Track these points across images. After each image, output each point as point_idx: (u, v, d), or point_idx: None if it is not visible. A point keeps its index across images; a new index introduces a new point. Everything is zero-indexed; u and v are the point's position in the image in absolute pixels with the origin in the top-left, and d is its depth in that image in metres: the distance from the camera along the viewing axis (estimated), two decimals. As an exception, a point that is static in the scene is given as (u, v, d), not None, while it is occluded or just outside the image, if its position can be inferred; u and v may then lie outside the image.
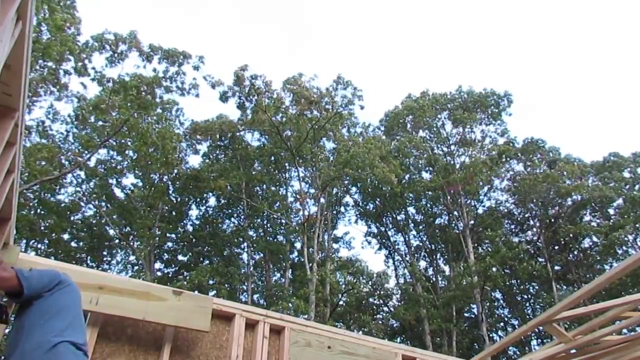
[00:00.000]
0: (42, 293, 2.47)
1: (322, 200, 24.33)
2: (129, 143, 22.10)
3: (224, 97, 23.56)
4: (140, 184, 24.31)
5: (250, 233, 25.61)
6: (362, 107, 25.18)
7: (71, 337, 2.36)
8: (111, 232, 24.01)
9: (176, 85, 21.88)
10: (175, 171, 23.93)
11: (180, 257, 26.21)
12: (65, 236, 23.49)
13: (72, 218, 23.58)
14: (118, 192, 24.35)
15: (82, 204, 23.61)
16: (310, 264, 21.54)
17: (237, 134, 25.69)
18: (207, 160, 25.54)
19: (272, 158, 26.09)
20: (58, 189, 22.73)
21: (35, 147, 19.45)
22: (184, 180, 24.21)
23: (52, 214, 21.94)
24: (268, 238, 25.91)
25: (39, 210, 22.13)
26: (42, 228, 21.97)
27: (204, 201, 26.28)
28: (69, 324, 2.43)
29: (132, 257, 24.99)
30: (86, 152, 21.41)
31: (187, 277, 21.18)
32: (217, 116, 25.22)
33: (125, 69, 20.55)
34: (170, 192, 25.11)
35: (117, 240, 24.62)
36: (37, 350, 2.23)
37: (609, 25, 58.96)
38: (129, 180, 24.45)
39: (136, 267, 24.59)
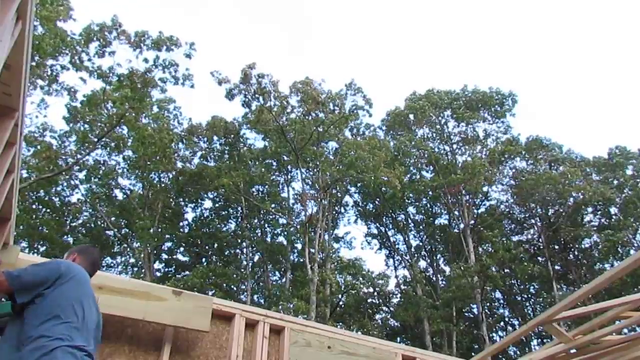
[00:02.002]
0: (41, 291, 2.33)
1: (324, 201, 24.34)
2: (128, 143, 22.04)
3: (229, 95, 23.57)
4: (139, 184, 24.28)
5: (250, 233, 25.60)
6: (370, 115, 25.49)
7: (71, 339, 2.25)
8: (110, 233, 24.00)
9: (169, 72, 20.99)
10: (179, 165, 23.79)
11: (179, 257, 26.25)
12: (64, 237, 23.46)
13: (72, 220, 23.57)
14: (117, 193, 24.36)
15: (84, 207, 23.59)
16: (312, 265, 21.53)
17: (241, 132, 25.73)
18: (205, 162, 25.49)
19: (274, 160, 26.12)
20: (58, 190, 22.69)
21: (35, 146, 19.45)
22: (185, 179, 24.17)
23: (52, 215, 21.94)
24: (266, 238, 25.91)
25: (39, 212, 22.12)
26: (41, 228, 21.93)
27: (202, 201, 26.28)
28: (69, 324, 2.30)
29: (132, 259, 24.98)
30: (83, 148, 21.31)
31: (184, 278, 21.14)
32: (212, 117, 25.20)
33: (116, 61, 20.13)
34: (170, 192, 25.11)
35: (116, 241, 24.62)
36: (33, 354, 2.13)
37: (612, 21, 58.98)
38: (128, 180, 24.46)
39: (135, 269, 24.58)
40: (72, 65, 18.68)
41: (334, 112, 24.27)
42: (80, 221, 24.03)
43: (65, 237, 23.44)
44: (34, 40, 15.97)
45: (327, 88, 24.55)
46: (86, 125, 21.48)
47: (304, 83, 23.91)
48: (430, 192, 27.46)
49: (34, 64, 16.94)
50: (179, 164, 24.17)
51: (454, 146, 28.33)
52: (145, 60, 20.29)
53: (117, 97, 19.60)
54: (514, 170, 28.30)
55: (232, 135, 25.59)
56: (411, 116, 28.62)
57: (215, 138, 25.76)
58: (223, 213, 26.60)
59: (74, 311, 2.36)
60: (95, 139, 20.92)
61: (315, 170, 24.97)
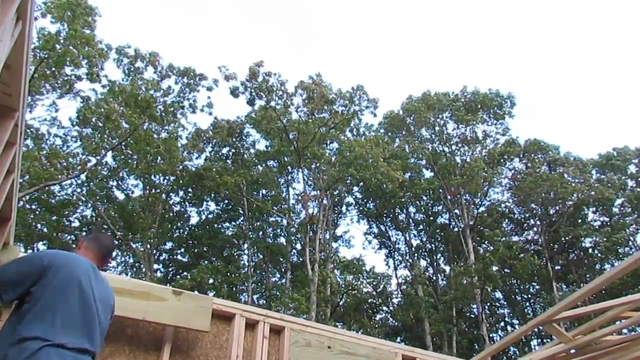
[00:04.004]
0: (28, 288, 2.22)
1: (324, 201, 24.32)
2: (131, 143, 22.09)
3: (234, 93, 23.60)
4: (141, 185, 24.24)
5: (251, 234, 25.59)
6: (374, 115, 25.88)
7: (57, 338, 2.14)
8: (108, 231, 23.93)
9: (189, 103, 22.87)
10: (180, 167, 23.96)
11: (179, 258, 26.21)
12: (65, 237, 23.40)
13: (70, 218, 23.52)
14: (117, 193, 24.32)
15: (80, 202, 23.52)
16: (312, 264, 21.53)
17: (244, 131, 25.78)
18: (210, 163, 25.48)
19: (276, 160, 26.11)
20: (58, 191, 22.68)
21: (40, 149, 19.53)
22: (188, 179, 24.16)
23: (50, 214, 21.90)
24: (267, 239, 25.91)
25: (38, 211, 22.09)
26: (40, 227, 21.92)
27: (204, 203, 26.25)
28: (57, 322, 2.18)
29: (131, 259, 24.94)
30: (90, 156, 21.47)
31: (188, 277, 21.11)
32: (214, 119, 25.26)
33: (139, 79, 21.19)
34: (171, 192, 25.10)
35: (116, 241, 24.57)
36: (18, 356, 2.04)
37: (612, 21, 58.95)
38: (130, 181, 24.42)
39: (134, 269, 24.55)
40: (86, 77, 18.97)
41: (340, 112, 24.29)
42: (78, 217, 23.96)
43: (66, 236, 23.40)
44: (57, 55, 16.37)
45: (335, 88, 24.83)
46: (92, 132, 21.68)
47: (314, 82, 23.96)
48: (430, 192, 27.46)
49: (48, 71, 17.24)
50: (182, 165, 24.19)
51: (453, 147, 28.33)
52: (169, 88, 21.86)
53: (132, 113, 19.89)
54: (513, 171, 28.32)
55: (236, 136, 25.58)
56: (409, 119, 28.61)
57: (218, 141, 25.77)
58: (225, 215, 26.57)
59: (63, 306, 2.23)
60: (104, 150, 21.18)
61: (316, 170, 24.97)
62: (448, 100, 28.32)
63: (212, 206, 26.49)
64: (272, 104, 23.42)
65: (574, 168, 26.06)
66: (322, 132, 23.95)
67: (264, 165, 26.24)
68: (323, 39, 59.08)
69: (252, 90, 23.40)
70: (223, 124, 25.08)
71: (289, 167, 26.25)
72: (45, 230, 21.96)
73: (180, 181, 24.11)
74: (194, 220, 26.33)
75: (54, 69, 17.47)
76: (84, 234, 23.70)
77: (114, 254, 25.27)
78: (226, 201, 26.11)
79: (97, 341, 2.40)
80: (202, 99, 24.48)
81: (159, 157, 21.64)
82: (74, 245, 22.24)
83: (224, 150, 26.21)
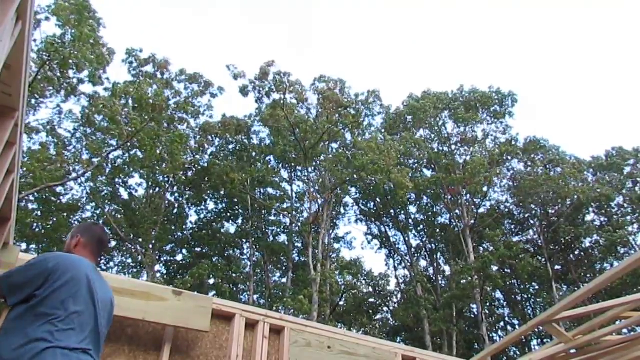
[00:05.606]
0: (33, 292, 2.24)
1: (328, 201, 24.32)
2: (136, 143, 22.07)
3: (244, 92, 23.61)
4: (145, 184, 24.21)
5: (253, 233, 25.56)
6: (385, 122, 26.04)
7: (61, 340, 2.16)
8: (112, 232, 23.89)
9: (194, 110, 23.68)
10: (187, 166, 24.08)
11: (180, 258, 26.21)
12: (64, 237, 23.35)
13: (72, 217, 23.45)
14: (122, 192, 24.28)
15: (82, 202, 23.48)
16: (315, 264, 21.51)
17: (252, 129, 25.86)
18: (216, 160, 25.46)
19: (280, 160, 26.11)
20: (62, 193, 22.66)
21: (44, 148, 19.55)
22: (194, 173, 24.16)
23: (52, 214, 21.88)
24: (269, 239, 25.88)
25: (39, 211, 22.07)
26: (42, 228, 21.89)
27: (205, 202, 26.22)
28: (63, 323, 2.21)
29: (132, 258, 24.90)
30: (94, 157, 21.46)
31: (187, 275, 21.09)
32: (223, 116, 25.21)
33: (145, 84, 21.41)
34: (175, 192, 25.10)
35: (118, 241, 24.52)
36: (23, 357, 2.06)
37: (612, 21, 58.96)
38: (134, 180, 24.41)
39: (135, 270, 24.52)
40: (89, 80, 19.00)
41: (348, 116, 24.35)
42: (79, 216, 23.88)
43: (65, 236, 23.34)
44: (61, 56, 16.48)
45: (351, 92, 25.12)
46: (100, 135, 21.73)
47: (329, 88, 24.02)
48: (430, 190, 27.35)
49: (51, 74, 17.28)
50: (185, 168, 24.17)
51: (453, 147, 28.26)
52: (176, 92, 22.74)
53: (136, 116, 19.95)
54: (512, 172, 28.27)
55: (243, 134, 25.60)
56: (409, 118, 28.52)
57: (225, 137, 25.80)
58: (226, 214, 26.53)
59: (67, 311, 2.26)
60: (107, 150, 21.23)
61: (322, 170, 24.95)
62: (447, 99, 28.23)
63: (212, 205, 26.50)
64: (282, 102, 23.46)
65: (572, 168, 26.04)
66: (331, 132, 23.92)
67: (267, 161, 26.23)
68: (323, 38, 59.08)
69: (261, 89, 23.52)
70: (233, 121, 25.13)
71: (292, 164, 26.24)
72: (45, 230, 21.92)
73: (184, 178, 24.11)
74: (195, 219, 26.35)
75: (58, 72, 17.51)
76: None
77: (113, 253, 25.31)
78: (226, 200, 26.06)
79: (99, 343, 2.43)
80: (205, 102, 24.63)
81: (164, 156, 21.67)
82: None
83: (230, 147, 26.23)
